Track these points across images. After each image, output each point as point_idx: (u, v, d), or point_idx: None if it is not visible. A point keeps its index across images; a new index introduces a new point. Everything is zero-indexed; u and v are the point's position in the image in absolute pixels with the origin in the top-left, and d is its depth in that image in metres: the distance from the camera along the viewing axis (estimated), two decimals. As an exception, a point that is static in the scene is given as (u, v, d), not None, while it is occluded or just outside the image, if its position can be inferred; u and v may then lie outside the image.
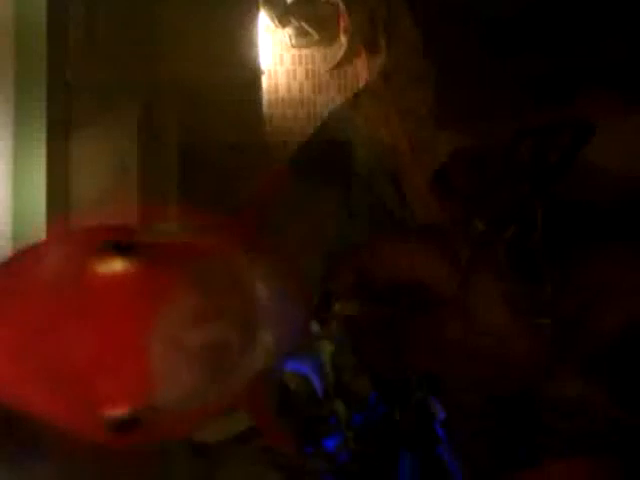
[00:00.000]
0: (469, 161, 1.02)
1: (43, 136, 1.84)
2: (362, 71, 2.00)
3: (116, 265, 0.47)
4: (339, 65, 2.05)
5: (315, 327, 1.08)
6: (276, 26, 2.07)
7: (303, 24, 2.06)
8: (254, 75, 1.97)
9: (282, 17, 2.06)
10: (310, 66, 2.07)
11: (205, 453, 0.93)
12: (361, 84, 1.95)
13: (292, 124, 2.03)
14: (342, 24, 2.03)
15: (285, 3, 2.06)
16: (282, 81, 2.07)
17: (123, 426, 0.47)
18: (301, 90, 2.06)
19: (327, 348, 1.04)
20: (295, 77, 2.07)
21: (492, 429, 0.98)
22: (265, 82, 2.03)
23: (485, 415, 0.99)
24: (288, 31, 2.08)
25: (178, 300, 0.48)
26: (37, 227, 1.83)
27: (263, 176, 0.64)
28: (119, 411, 0.47)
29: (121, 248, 0.48)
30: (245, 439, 0.87)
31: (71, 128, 1.89)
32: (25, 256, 0.52)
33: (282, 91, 2.07)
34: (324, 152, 1.58)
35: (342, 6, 2.02)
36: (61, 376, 0.47)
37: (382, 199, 1.16)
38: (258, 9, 2.02)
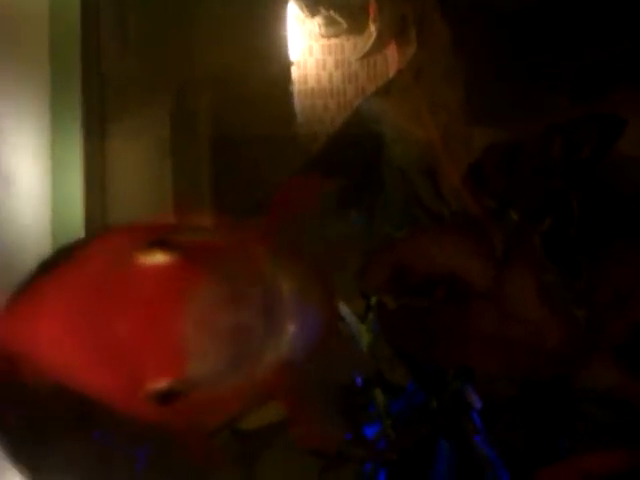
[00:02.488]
0: (503, 155, 1.04)
1: (79, 127, 1.88)
2: (392, 60, 2.01)
3: (157, 258, 0.55)
4: (369, 54, 2.05)
5: (352, 317, 1.10)
6: (305, 16, 2.08)
7: (332, 13, 2.07)
8: (283, 66, 1.99)
9: (311, 6, 2.07)
10: (340, 56, 2.07)
11: (245, 439, 0.95)
12: (391, 73, 1.96)
13: (322, 114, 2.04)
14: (371, 13, 2.03)
15: (314, -7, 2.07)
16: (311, 71, 2.08)
17: (164, 398, 0.54)
18: (331, 80, 2.07)
19: (365, 338, 1.07)
20: (325, 67, 2.08)
21: (527, 418, 0.99)
22: (294, 73, 2.04)
23: (520, 404, 1.00)
24: (317, 20, 2.09)
25: (208, 288, 0.55)
26: (75, 218, 1.88)
27: (291, 181, 0.72)
28: (159, 384, 0.53)
29: (162, 244, 0.56)
30: (284, 426, 0.90)
31: (106, 119, 1.93)
32: (75, 251, 0.60)
33: (312, 81, 2.08)
34: (355, 143, 1.59)
35: (371, -5, 2.02)
36: (108, 356, 0.54)
37: (417, 192, 1.17)
38: (287, -1, 2.04)
